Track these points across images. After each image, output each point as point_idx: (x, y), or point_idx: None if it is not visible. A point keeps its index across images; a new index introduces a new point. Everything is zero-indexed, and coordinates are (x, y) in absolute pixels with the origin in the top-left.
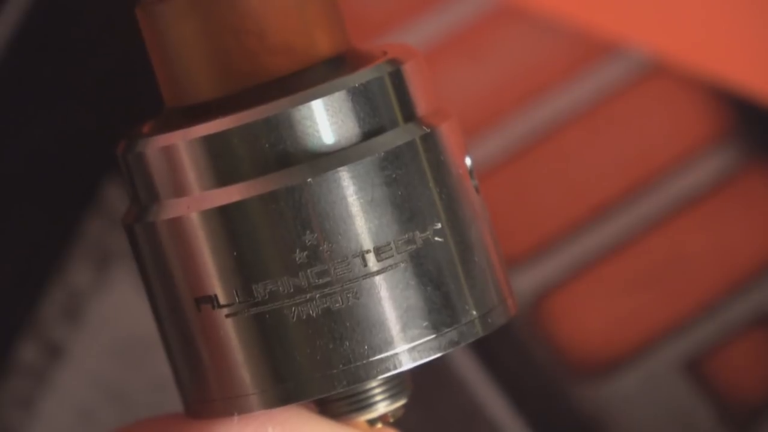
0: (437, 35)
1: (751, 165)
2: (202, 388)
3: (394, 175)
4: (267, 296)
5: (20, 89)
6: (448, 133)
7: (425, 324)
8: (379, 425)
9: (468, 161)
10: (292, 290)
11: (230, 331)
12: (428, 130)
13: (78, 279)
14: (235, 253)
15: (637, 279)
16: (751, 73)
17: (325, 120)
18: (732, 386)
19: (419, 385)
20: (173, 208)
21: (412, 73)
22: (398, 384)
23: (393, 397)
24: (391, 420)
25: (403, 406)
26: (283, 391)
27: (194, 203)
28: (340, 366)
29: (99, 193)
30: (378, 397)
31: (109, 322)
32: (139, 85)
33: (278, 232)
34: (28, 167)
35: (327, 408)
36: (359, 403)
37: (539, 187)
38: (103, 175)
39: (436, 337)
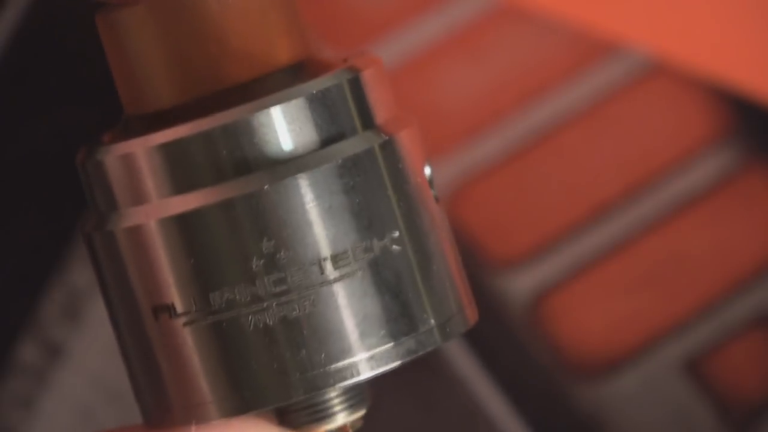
0: (437, 35)
1: (751, 165)
2: (160, 398)
3: (352, 183)
4: (224, 305)
5: (20, 89)
6: (408, 142)
7: (383, 332)
8: None
9: (428, 170)
10: (249, 298)
11: (188, 339)
12: (387, 138)
13: (78, 279)
14: (192, 261)
15: (637, 279)
16: (751, 73)
17: (283, 127)
18: (732, 386)
19: (419, 384)
20: (132, 217)
21: (371, 81)
22: (357, 394)
23: (352, 407)
24: (351, 431)
25: (363, 417)
26: (241, 399)
27: (153, 211)
28: (297, 374)
29: None
30: (337, 408)
31: (109, 322)
32: None
33: (235, 239)
34: (28, 167)
35: (286, 418)
36: (318, 413)
37: (539, 187)
38: None
39: (394, 346)
